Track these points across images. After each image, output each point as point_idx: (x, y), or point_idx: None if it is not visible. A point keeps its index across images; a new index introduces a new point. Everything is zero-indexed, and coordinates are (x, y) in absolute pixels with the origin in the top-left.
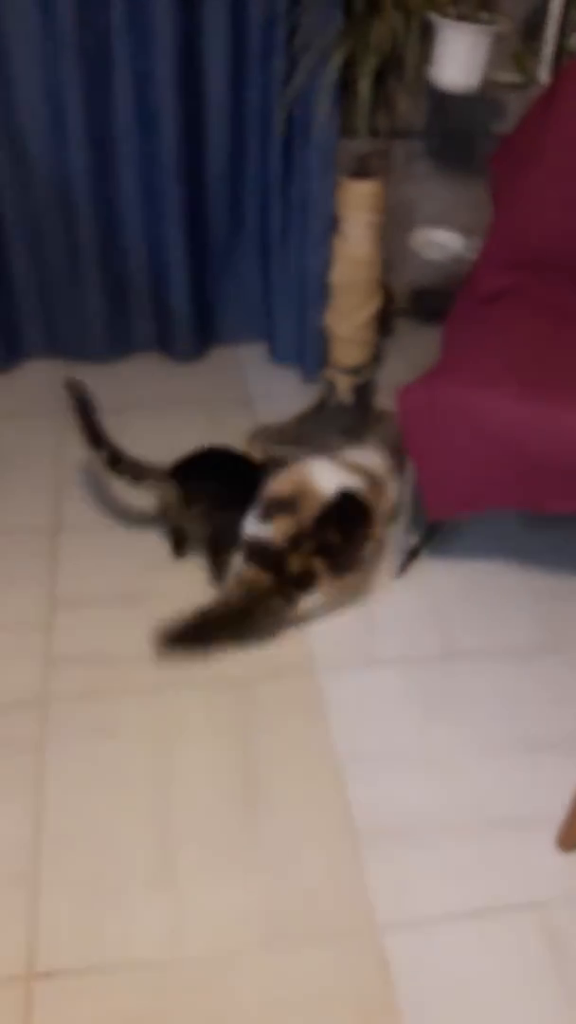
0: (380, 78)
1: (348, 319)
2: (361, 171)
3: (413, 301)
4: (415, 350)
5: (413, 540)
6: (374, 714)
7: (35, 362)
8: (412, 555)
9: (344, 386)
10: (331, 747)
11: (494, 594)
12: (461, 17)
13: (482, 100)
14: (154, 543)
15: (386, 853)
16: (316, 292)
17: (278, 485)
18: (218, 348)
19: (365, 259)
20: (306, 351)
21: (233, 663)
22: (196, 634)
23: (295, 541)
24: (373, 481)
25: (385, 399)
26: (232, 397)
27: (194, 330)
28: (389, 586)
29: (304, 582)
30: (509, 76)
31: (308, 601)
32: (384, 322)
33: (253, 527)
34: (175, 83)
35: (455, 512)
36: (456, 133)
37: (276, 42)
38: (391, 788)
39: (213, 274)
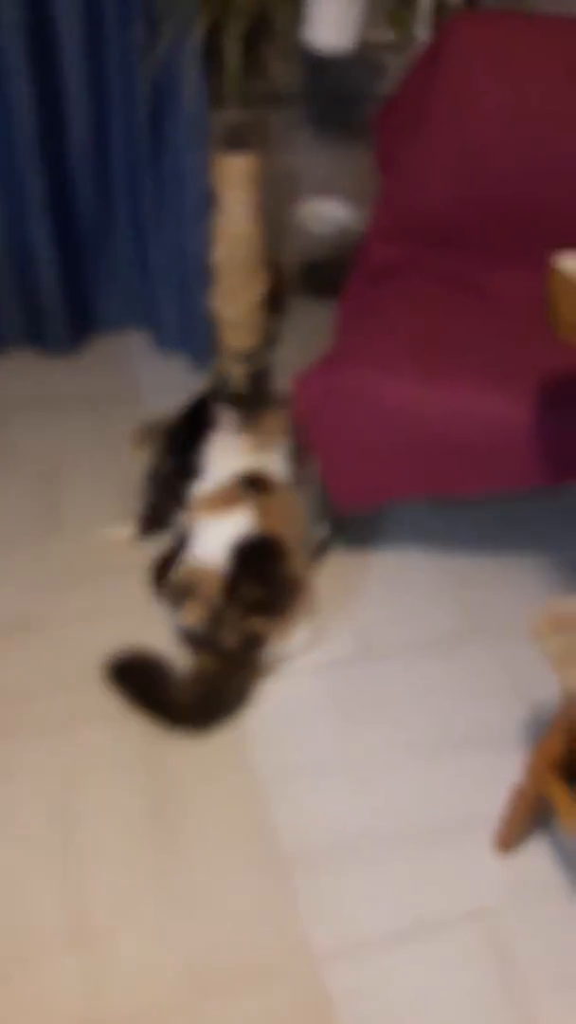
0: (250, 42)
1: (235, 301)
2: (235, 144)
3: (304, 277)
4: (310, 329)
5: (322, 532)
6: (293, 725)
7: None
8: (322, 548)
9: (238, 374)
10: (249, 767)
11: (410, 584)
12: None
13: (360, 61)
14: (36, 562)
15: (317, 878)
16: (198, 273)
17: (174, 575)
18: (99, 338)
19: (246, 236)
20: (194, 336)
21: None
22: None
23: (217, 619)
24: (272, 492)
25: (283, 383)
26: (119, 390)
27: (68, 320)
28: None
29: (254, 644)
30: (386, 35)
31: (277, 650)
32: (276, 301)
33: (173, 619)
34: (24, 57)
35: (363, 503)
36: (336, 97)
37: (133, 6)
38: (317, 805)
39: (85, 259)
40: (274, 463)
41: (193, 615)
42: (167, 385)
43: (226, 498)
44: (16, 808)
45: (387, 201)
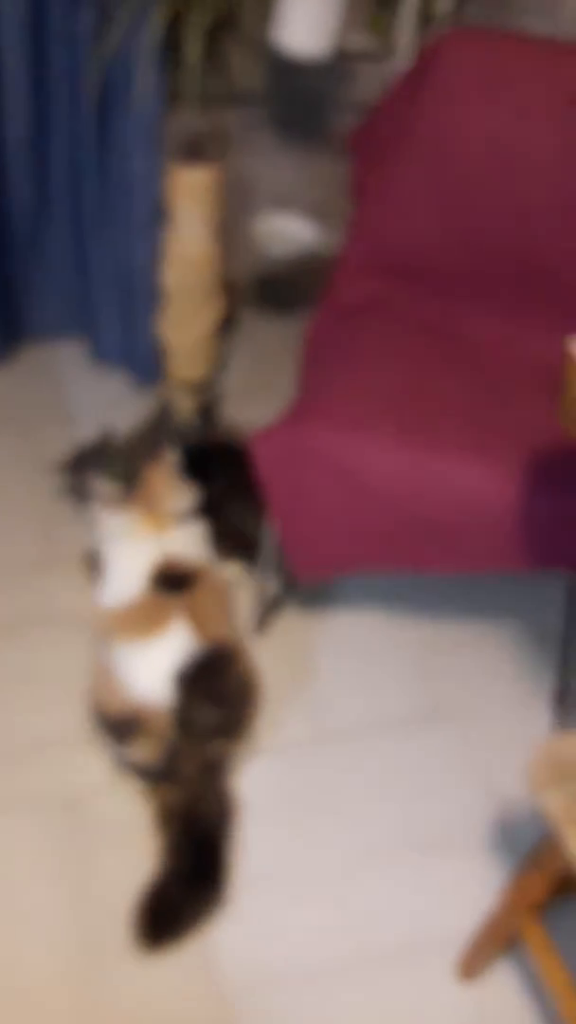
0: (212, 37)
1: (185, 329)
2: (193, 153)
3: (258, 291)
4: (262, 349)
5: (272, 589)
6: (239, 826)
7: None
8: (271, 607)
9: (186, 406)
10: None
11: (368, 652)
12: None
13: (329, 64)
14: None
15: (261, 1013)
16: (145, 287)
17: (104, 706)
18: (29, 347)
19: (202, 258)
20: (136, 352)
21: (68, 772)
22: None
23: (172, 753)
24: (196, 583)
25: (233, 409)
26: (47, 406)
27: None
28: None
29: (218, 764)
30: (361, 41)
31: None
32: (227, 322)
33: (125, 757)
34: None
35: (324, 574)
36: (299, 100)
37: None
38: (262, 925)
39: (16, 260)
40: (183, 539)
41: (144, 752)
42: (101, 403)
43: (147, 615)
44: None
45: (361, 232)
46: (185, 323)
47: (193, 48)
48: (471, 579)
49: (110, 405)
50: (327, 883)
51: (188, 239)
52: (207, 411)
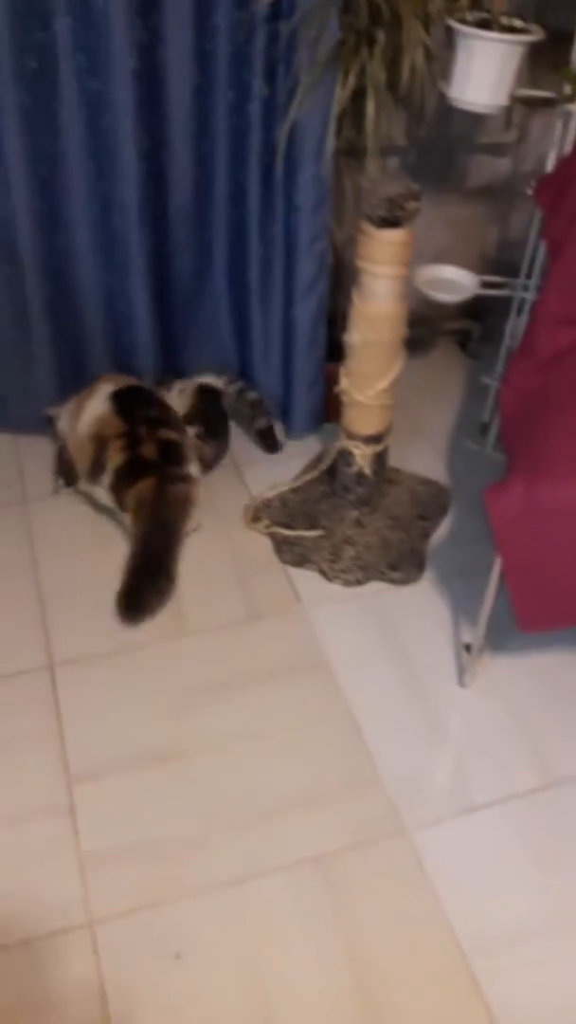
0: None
1: (370, 384)
2: (391, 218)
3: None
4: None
5: (469, 636)
6: (483, 882)
7: None
8: (471, 652)
9: (363, 456)
10: (448, 933)
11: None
12: (482, 24)
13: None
14: (170, 675)
15: None
16: (306, 345)
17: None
18: None
19: (391, 318)
20: (292, 406)
21: (309, 830)
22: (149, 582)
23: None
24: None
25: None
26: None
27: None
28: (456, 700)
29: (173, 451)
30: (537, 92)
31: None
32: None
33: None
34: (133, 107)
35: (551, 627)
36: (435, 146)
37: (251, 56)
38: (530, 978)
39: (176, 315)
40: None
41: (116, 457)
42: (258, 455)
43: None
44: (198, 989)
45: (557, 282)
46: (370, 379)
47: (372, 108)
48: None
49: (266, 456)
50: None
51: (379, 299)
52: (380, 460)
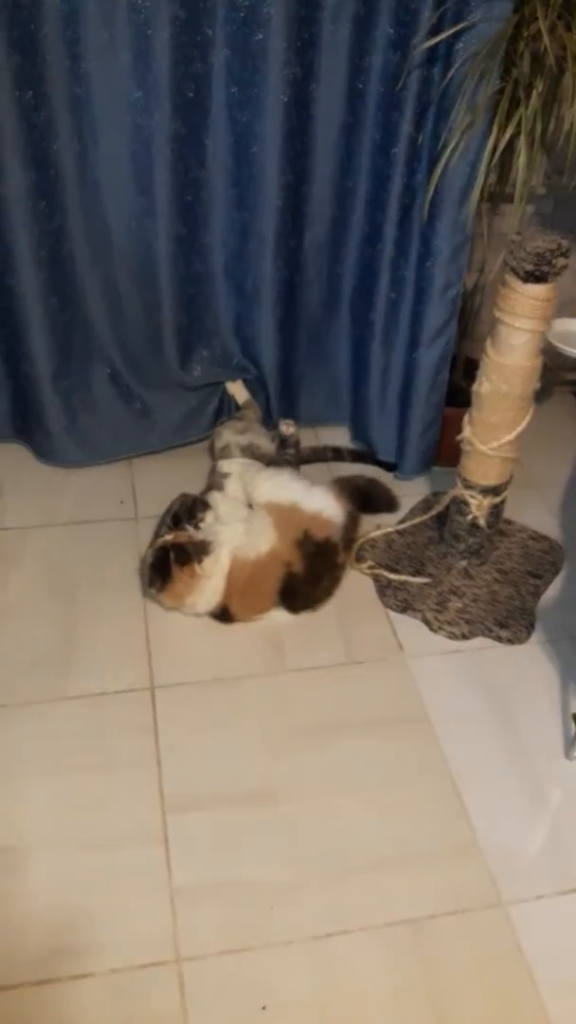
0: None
1: (495, 435)
2: (538, 273)
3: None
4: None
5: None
6: None
7: (109, 465)
8: None
9: (479, 507)
10: (542, 1016)
11: None
12: None
13: None
14: (267, 712)
15: None
16: (427, 388)
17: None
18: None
19: (525, 371)
20: (406, 448)
21: (403, 891)
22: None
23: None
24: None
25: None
26: None
27: (280, 413)
28: (562, 772)
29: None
30: None
31: None
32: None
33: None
34: (280, 140)
35: None
36: (573, 196)
37: (402, 99)
38: None
39: (299, 355)
40: None
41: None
42: None
43: None
44: None
45: None
46: (495, 431)
47: (524, 159)
48: None
49: None
50: None
51: (514, 352)
52: (495, 514)
